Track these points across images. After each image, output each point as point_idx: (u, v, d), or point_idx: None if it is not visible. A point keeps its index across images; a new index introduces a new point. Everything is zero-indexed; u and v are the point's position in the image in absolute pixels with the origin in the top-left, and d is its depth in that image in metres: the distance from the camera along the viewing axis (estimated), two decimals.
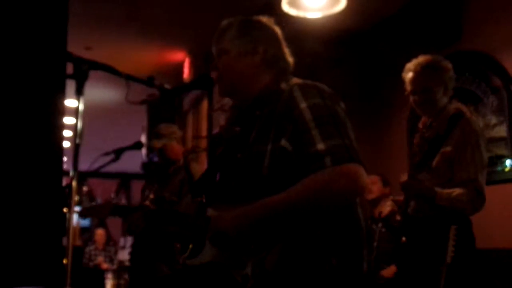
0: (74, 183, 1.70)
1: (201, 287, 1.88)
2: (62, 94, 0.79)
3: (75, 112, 1.74)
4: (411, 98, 2.91)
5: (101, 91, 7.29)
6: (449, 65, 2.92)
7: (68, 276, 1.72)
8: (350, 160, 1.67)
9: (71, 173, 1.68)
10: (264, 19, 2.00)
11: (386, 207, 2.98)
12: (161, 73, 6.82)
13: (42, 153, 0.77)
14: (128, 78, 1.93)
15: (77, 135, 1.69)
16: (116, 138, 6.21)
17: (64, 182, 1.89)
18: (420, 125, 3.01)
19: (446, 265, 2.50)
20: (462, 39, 4.53)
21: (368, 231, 1.84)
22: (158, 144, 3.86)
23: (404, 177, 2.82)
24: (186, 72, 6.65)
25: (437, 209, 2.75)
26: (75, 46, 5.92)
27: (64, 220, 1.34)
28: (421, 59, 2.90)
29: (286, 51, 1.98)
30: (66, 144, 10.73)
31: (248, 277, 1.71)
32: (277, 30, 1.99)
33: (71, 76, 1.68)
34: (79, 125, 1.70)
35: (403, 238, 2.79)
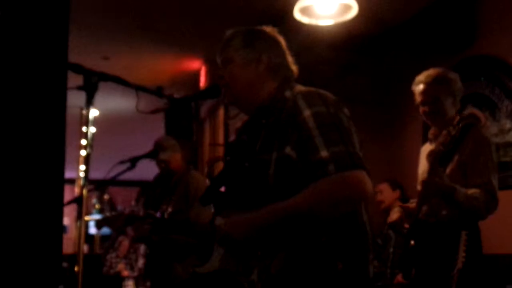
0: (84, 192, 1.75)
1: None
2: (63, 104, 0.83)
3: (90, 122, 1.79)
4: (421, 110, 2.98)
5: (120, 101, 7.38)
6: (457, 77, 3.00)
7: (79, 284, 1.77)
8: (354, 167, 1.70)
9: (81, 182, 1.73)
10: (268, 29, 2.04)
11: (394, 213, 3.01)
12: (178, 81, 6.89)
13: (43, 162, 0.80)
14: (138, 89, 1.98)
15: (88, 145, 1.74)
16: (135, 146, 6.28)
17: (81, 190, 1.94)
18: (430, 136, 3.07)
19: (458, 271, 2.51)
20: (475, 44, 4.52)
21: (373, 235, 1.86)
22: (164, 156, 3.97)
23: (425, 176, 2.83)
24: (203, 80, 6.71)
25: (450, 212, 2.79)
26: (93, 56, 6.06)
27: (61, 229, 1.38)
28: (430, 71, 2.99)
29: (290, 59, 2.02)
30: (83, 152, 10.84)
31: (254, 283, 1.75)
32: (281, 39, 2.03)
33: (81, 88, 1.74)
34: (90, 135, 1.75)
35: (412, 242, 2.82)
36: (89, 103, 1.74)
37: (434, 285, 2.73)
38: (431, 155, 2.87)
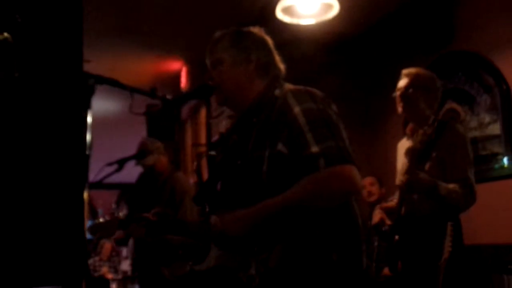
0: (85, 195, 1.78)
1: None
2: (87, 108, 0.85)
3: (89, 125, 1.82)
4: (396, 96, 3.13)
5: (102, 103, 7.35)
6: (435, 78, 3.16)
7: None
8: (343, 161, 1.75)
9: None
10: (255, 29, 2.09)
11: (376, 215, 3.11)
12: (159, 83, 6.87)
13: (68, 165, 0.83)
14: (132, 90, 2.01)
15: (87, 147, 1.77)
16: (117, 148, 6.27)
17: None
18: (408, 131, 3.18)
19: (445, 260, 2.58)
20: (454, 40, 4.60)
21: (365, 227, 1.91)
22: (150, 161, 3.98)
23: (405, 176, 2.91)
24: (184, 81, 6.72)
25: (431, 207, 2.89)
26: None
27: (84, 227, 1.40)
28: (413, 68, 3.17)
29: (278, 58, 2.07)
30: None
31: (253, 277, 1.79)
32: (268, 39, 2.08)
33: None
34: (88, 137, 1.78)
35: (396, 237, 2.90)
36: (86, 105, 1.77)
37: (421, 276, 2.80)
38: (409, 153, 2.96)
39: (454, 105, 3.09)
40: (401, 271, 3.00)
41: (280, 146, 1.82)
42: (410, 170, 2.87)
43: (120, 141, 7.97)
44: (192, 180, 5.44)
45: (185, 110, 7.36)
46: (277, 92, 1.95)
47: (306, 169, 1.75)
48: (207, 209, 2.02)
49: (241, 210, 1.83)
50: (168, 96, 2.22)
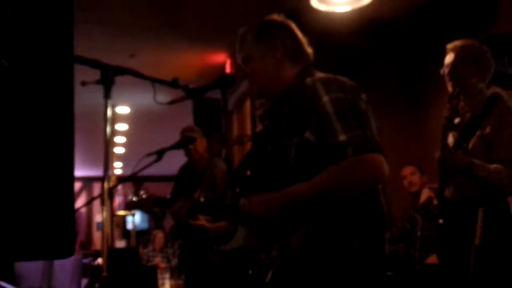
0: (106, 185, 1.85)
1: (232, 270, 2.01)
2: (70, 100, 0.89)
3: (109, 116, 1.89)
4: (444, 76, 2.96)
5: (149, 97, 7.53)
6: (484, 48, 2.94)
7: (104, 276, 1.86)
8: (371, 150, 1.77)
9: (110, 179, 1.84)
10: (275, 16, 2.11)
11: (424, 194, 3.03)
12: (204, 75, 6.99)
13: (51, 161, 0.86)
14: (154, 81, 2.07)
15: (107, 140, 1.84)
16: (167, 141, 6.39)
17: (121, 187, 2.04)
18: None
19: (475, 247, 2.52)
20: (497, 22, 4.49)
21: (390, 215, 1.90)
22: (193, 134, 4.10)
23: (439, 153, 2.82)
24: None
25: (475, 189, 2.73)
26: (120, 54, 6.18)
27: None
28: (457, 41, 2.97)
29: (304, 41, 2.08)
30: (120, 150, 11.07)
31: (274, 259, 1.84)
32: (290, 23, 2.10)
33: (99, 82, 1.85)
34: (108, 130, 1.85)
35: (440, 221, 2.82)
36: (106, 96, 1.85)
37: (458, 263, 2.73)
38: (442, 130, 2.86)
39: (498, 89, 2.97)
40: (442, 256, 2.93)
41: (307, 134, 1.84)
42: (441, 148, 2.77)
43: (169, 134, 8.13)
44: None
45: (231, 102, 7.45)
46: (307, 80, 1.97)
47: (334, 157, 1.78)
48: (237, 192, 2.08)
49: (268, 194, 1.87)
50: (191, 86, 2.28)
